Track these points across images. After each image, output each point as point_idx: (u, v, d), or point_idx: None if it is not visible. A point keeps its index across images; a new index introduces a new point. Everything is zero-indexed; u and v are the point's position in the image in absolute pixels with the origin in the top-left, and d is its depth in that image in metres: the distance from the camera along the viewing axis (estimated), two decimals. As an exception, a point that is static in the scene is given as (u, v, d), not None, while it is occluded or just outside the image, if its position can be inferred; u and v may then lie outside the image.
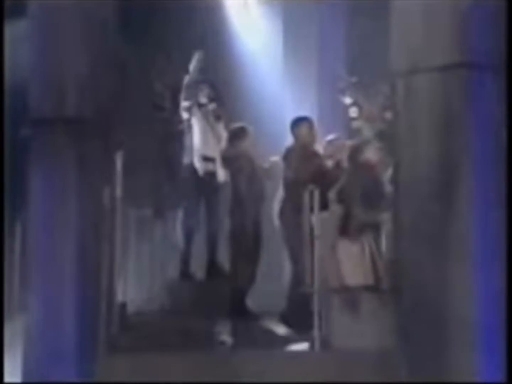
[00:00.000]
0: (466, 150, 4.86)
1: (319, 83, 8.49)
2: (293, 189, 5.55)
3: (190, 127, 6.73)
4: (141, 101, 8.03)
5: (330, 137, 6.17)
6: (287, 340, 5.28)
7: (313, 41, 9.13)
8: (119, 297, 5.94)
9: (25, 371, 5.16)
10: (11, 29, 7.00)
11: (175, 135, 6.91)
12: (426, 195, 4.86)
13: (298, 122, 5.87)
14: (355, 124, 6.49)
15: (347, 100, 6.58)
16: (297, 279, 5.47)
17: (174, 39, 8.95)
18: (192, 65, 6.87)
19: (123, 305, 6.00)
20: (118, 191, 6.08)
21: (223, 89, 7.50)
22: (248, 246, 5.73)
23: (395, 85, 5.17)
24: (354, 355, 4.77)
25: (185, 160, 6.64)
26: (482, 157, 4.86)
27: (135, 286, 6.59)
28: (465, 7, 5.08)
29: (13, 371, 5.35)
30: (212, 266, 6.28)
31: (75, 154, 5.51)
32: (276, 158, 5.96)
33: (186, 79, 6.97)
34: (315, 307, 4.93)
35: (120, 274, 5.81)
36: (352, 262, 5.10)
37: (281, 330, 5.51)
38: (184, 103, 6.71)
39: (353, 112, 6.47)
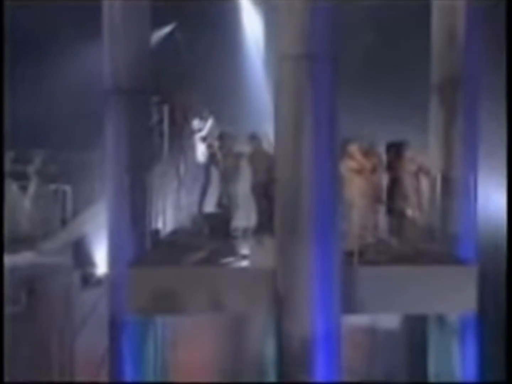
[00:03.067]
0: (308, 130, 7.01)
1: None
2: (256, 173, 9.26)
3: (195, 132, 10.49)
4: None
5: None
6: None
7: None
8: (156, 224, 9.61)
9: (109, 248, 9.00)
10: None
11: (185, 136, 10.46)
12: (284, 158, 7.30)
13: (254, 135, 9.65)
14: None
15: None
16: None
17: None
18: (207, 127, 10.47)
19: (157, 231, 9.67)
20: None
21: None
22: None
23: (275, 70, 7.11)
24: (262, 271, 7.78)
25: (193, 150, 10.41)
26: (319, 133, 7.04)
27: (170, 217, 10.34)
28: (310, 5, 6.80)
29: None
30: (218, 206, 10.05)
31: (127, 113, 9.30)
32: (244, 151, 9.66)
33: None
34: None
35: (157, 208, 9.54)
36: None
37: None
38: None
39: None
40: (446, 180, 9.21)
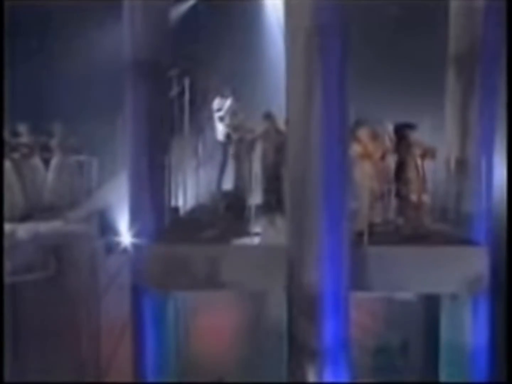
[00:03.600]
0: (317, 102, 7.29)
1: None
2: (269, 152, 9.57)
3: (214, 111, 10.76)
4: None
5: None
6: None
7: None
8: (177, 202, 9.93)
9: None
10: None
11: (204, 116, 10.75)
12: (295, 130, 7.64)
13: (268, 114, 10.00)
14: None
15: None
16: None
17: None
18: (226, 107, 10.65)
19: (176, 208, 9.95)
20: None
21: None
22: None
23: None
24: (274, 248, 8.29)
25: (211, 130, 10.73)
26: (328, 105, 7.34)
27: (191, 194, 10.73)
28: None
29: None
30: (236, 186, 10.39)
31: (147, 84, 9.56)
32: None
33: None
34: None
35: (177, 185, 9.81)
36: None
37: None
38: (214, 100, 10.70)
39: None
40: (461, 161, 9.31)
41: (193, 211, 10.53)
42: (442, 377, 9.83)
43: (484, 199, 9.19)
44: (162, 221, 9.47)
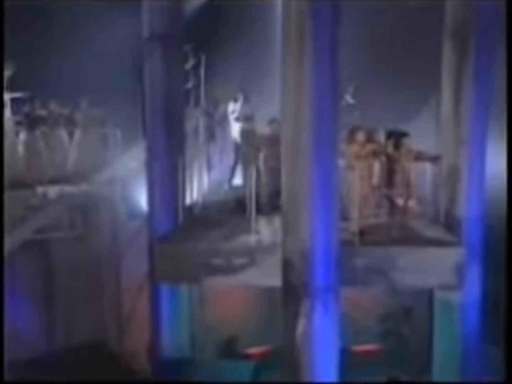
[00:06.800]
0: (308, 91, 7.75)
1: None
2: (272, 152, 10.01)
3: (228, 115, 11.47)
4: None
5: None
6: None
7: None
8: (192, 199, 10.54)
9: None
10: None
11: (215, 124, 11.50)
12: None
13: (274, 119, 10.44)
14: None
15: None
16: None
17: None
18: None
19: (190, 207, 10.63)
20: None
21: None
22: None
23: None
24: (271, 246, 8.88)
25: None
26: (319, 93, 7.75)
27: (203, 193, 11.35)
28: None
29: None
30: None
31: (162, 55, 9.80)
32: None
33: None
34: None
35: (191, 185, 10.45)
36: None
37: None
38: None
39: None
40: (453, 165, 9.53)
41: (205, 208, 11.04)
42: (436, 335, 10.23)
43: (476, 203, 9.34)
44: (177, 219, 9.95)
